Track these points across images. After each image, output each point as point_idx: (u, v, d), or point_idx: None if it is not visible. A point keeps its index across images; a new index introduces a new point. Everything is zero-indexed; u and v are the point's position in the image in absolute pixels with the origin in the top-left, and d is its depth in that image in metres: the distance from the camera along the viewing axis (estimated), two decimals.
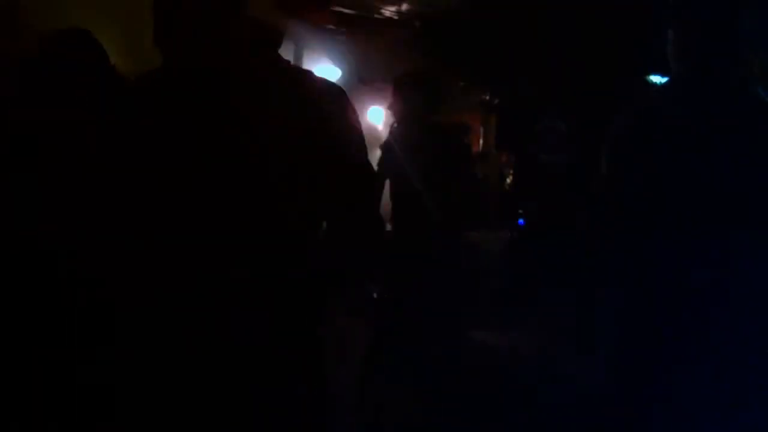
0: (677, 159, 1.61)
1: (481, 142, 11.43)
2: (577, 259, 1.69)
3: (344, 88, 1.44)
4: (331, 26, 8.60)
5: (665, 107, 1.66)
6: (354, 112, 1.45)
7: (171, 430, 1.37)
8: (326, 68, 7.81)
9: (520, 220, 8.01)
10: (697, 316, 1.61)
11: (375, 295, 6.12)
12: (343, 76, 8.21)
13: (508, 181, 9.82)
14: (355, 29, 8.95)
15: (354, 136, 1.45)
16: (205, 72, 1.36)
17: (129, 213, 1.37)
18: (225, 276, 1.33)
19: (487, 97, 9.17)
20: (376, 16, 8.15)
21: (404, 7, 7.72)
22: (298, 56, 7.25)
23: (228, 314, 1.33)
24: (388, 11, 7.94)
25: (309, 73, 1.44)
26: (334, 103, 1.41)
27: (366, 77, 10.04)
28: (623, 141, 1.66)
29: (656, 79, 6.78)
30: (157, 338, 1.37)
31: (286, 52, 1.45)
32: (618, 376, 1.70)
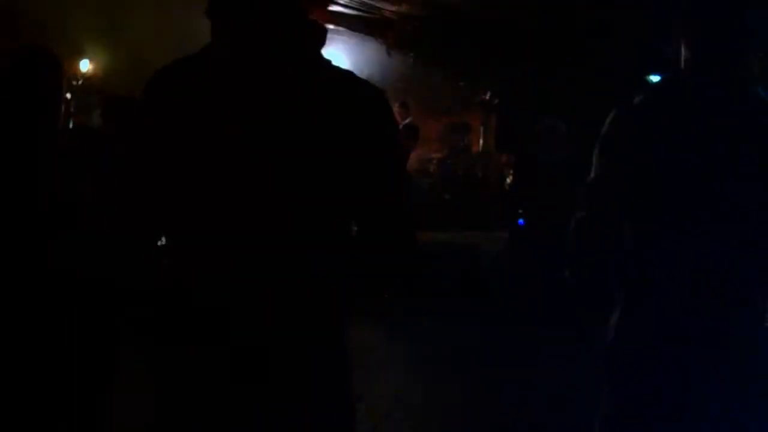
0: (675, 158, 1.61)
1: (481, 142, 11.42)
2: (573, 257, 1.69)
3: None
4: (330, 26, 8.61)
5: (663, 105, 1.66)
6: (393, 117, 1.44)
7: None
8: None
9: (520, 220, 8.00)
10: (695, 315, 1.61)
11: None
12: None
13: (508, 181, 9.81)
14: (355, 29, 8.96)
15: (393, 141, 1.43)
16: (256, 59, 1.33)
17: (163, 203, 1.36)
18: (253, 268, 1.32)
19: (487, 97, 9.16)
20: (375, 15, 8.15)
21: (404, 7, 7.71)
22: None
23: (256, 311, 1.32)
24: (389, 11, 7.93)
25: (353, 75, 1.41)
26: (378, 108, 1.39)
27: (368, 77, 10.01)
28: (619, 138, 1.66)
29: (656, 79, 6.78)
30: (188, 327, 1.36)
31: None
32: (618, 374, 1.70)
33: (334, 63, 1.41)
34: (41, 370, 1.75)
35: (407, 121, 10.22)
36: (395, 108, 10.32)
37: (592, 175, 1.67)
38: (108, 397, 1.95)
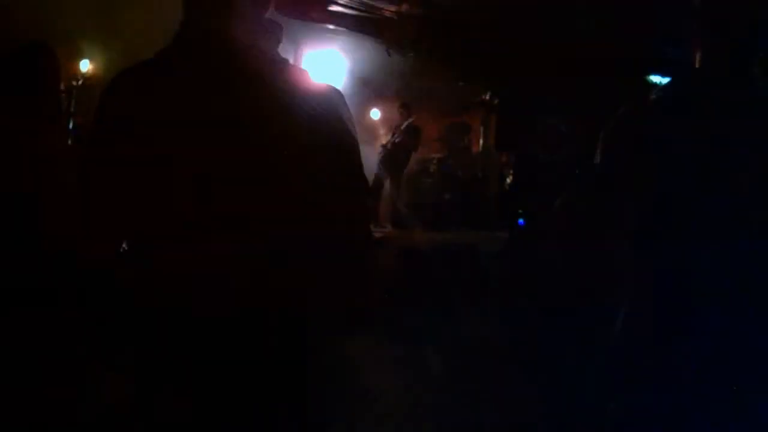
0: (676, 158, 1.61)
1: (481, 142, 11.42)
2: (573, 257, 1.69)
3: (346, 88, 1.44)
4: (331, 26, 8.60)
5: (664, 106, 1.66)
6: (348, 114, 1.44)
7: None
8: (326, 68, 7.81)
9: (520, 220, 8.00)
10: (700, 313, 1.61)
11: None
12: (343, 76, 8.22)
13: (508, 181, 9.81)
14: (356, 29, 8.96)
15: (347, 138, 1.44)
16: (218, 51, 1.36)
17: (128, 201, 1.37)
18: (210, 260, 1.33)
19: (487, 97, 9.16)
20: (376, 15, 8.14)
21: (404, 7, 7.71)
22: (298, 56, 7.25)
23: (222, 311, 1.33)
24: (389, 11, 7.93)
25: (306, 72, 1.43)
26: (330, 103, 1.40)
27: (368, 77, 10.04)
28: (626, 135, 1.65)
29: (656, 79, 6.78)
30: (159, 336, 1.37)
31: (286, 52, 1.45)
32: (619, 373, 1.70)
33: (326, 63, 1.43)
34: None
35: (409, 121, 10.22)
36: (397, 109, 10.34)
37: (599, 169, 1.65)
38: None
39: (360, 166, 1.46)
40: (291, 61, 1.46)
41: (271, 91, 1.36)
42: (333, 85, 1.45)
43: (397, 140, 10.10)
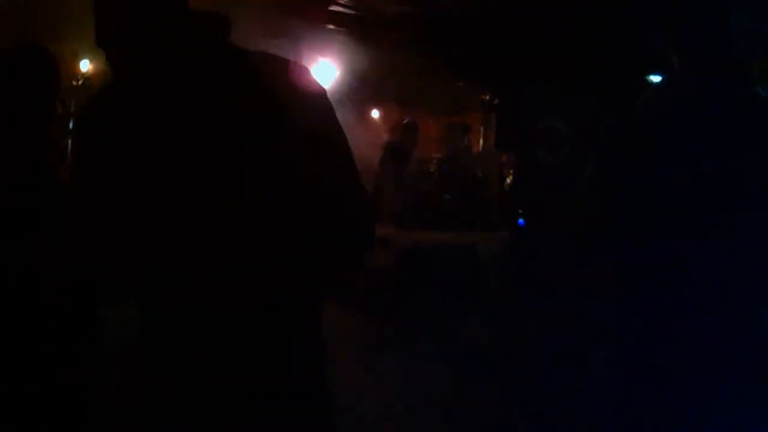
0: (675, 158, 1.61)
1: (481, 142, 11.41)
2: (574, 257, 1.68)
3: (344, 88, 1.43)
4: (330, 26, 8.59)
5: (664, 106, 1.66)
6: (324, 98, 1.40)
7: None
8: (326, 68, 7.81)
9: (520, 220, 7.99)
10: (696, 312, 1.61)
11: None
12: (342, 75, 8.21)
13: (508, 181, 9.80)
14: (355, 29, 8.95)
15: (325, 116, 1.41)
16: (159, 73, 1.32)
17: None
18: (217, 273, 1.33)
19: (487, 97, 9.15)
20: (376, 16, 8.13)
21: (404, 7, 7.70)
22: (298, 55, 7.24)
23: (224, 312, 1.33)
24: (389, 11, 7.92)
25: (269, 56, 1.38)
26: (322, 101, 1.39)
27: (366, 77, 10.03)
28: (621, 138, 1.66)
29: (656, 79, 6.78)
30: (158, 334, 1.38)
31: (287, 52, 1.44)
32: (619, 372, 1.70)
33: (326, 63, 1.41)
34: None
35: (406, 121, 10.23)
36: (393, 109, 10.34)
37: (599, 170, 1.65)
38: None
39: (353, 163, 1.44)
40: (288, 60, 1.43)
41: (267, 89, 1.34)
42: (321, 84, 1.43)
43: (395, 140, 10.11)
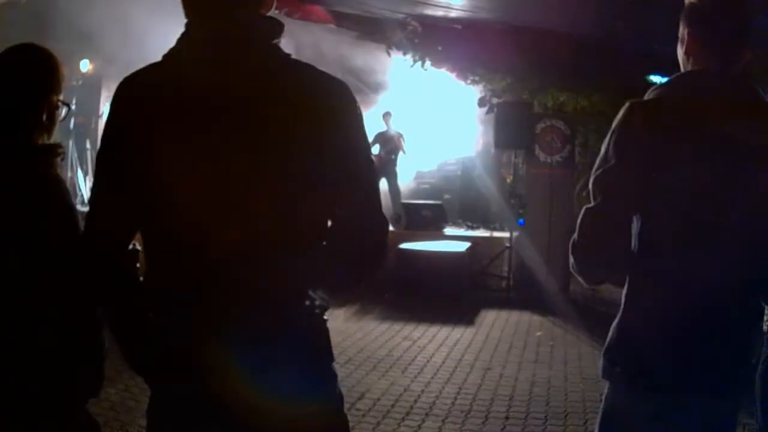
0: (679, 157, 1.60)
1: (481, 142, 11.42)
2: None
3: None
4: (331, 25, 8.60)
5: (668, 105, 1.65)
6: (358, 110, 1.43)
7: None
8: (326, 68, 7.80)
9: (520, 220, 8.01)
10: (693, 319, 1.61)
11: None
12: (342, 75, 8.22)
13: (508, 181, 9.81)
14: (355, 29, 8.96)
15: (360, 136, 1.42)
16: (216, 60, 1.35)
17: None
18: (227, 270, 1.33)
19: (487, 98, 9.15)
20: (375, 16, 8.14)
21: (405, 7, 7.71)
22: (298, 55, 7.23)
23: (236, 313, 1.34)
24: (389, 11, 7.93)
25: (312, 68, 1.41)
26: (340, 100, 1.39)
27: (367, 77, 10.04)
28: (625, 138, 1.65)
29: (656, 79, 6.78)
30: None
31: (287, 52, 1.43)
32: (618, 372, 1.69)
33: (325, 63, 1.41)
34: None
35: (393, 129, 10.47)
36: (382, 117, 10.48)
37: (606, 166, 1.64)
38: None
39: (370, 160, 1.44)
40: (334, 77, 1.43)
41: (284, 88, 1.35)
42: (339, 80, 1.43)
43: (386, 147, 10.40)
